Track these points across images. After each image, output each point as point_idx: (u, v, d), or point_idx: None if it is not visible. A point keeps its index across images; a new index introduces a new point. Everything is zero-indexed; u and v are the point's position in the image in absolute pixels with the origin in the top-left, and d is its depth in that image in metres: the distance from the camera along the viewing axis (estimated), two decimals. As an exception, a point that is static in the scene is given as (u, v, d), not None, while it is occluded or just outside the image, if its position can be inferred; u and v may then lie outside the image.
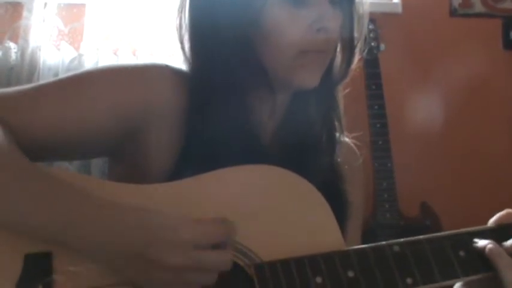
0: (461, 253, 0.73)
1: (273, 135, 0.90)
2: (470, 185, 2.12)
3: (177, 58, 0.91)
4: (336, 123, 0.93)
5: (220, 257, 0.67)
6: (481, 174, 2.13)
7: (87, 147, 0.84)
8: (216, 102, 0.83)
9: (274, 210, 0.75)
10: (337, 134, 0.94)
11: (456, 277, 0.72)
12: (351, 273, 0.71)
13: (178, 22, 0.88)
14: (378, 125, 1.95)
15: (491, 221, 0.79)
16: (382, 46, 2.00)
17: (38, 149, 0.77)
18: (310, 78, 0.84)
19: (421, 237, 0.74)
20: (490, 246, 0.74)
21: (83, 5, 1.87)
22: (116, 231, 0.67)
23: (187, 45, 0.88)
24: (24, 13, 1.79)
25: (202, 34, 0.85)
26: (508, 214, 0.79)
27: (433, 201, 1.99)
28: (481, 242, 0.75)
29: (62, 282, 0.68)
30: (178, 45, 0.89)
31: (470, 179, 2.13)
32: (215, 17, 0.84)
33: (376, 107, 1.96)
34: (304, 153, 0.88)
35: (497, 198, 2.00)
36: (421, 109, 2.07)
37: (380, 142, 1.94)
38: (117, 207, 0.68)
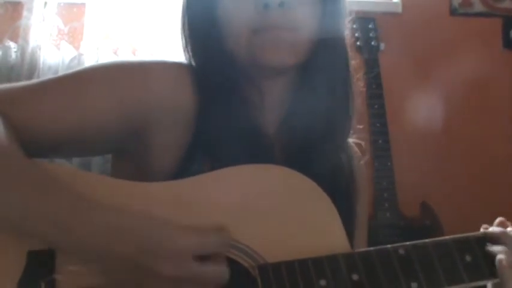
0: (468, 258, 0.72)
1: (277, 132, 0.89)
2: (470, 185, 2.11)
3: (177, 58, 0.90)
4: (344, 123, 0.90)
5: (217, 272, 0.66)
6: (481, 173, 2.13)
7: (88, 145, 0.83)
8: (218, 101, 0.83)
9: (278, 210, 0.74)
10: (345, 134, 0.92)
11: (462, 282, 0.71)
12: (355, 277, 0.70)
13: (181, 22, 0.89)
14: (378, 125, 1.95)
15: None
16: (382, 46, 2.01)
17: (39, 145, 0.76)
18: (272, 57, 0.81)
19: (426, 240, 0.73)
20: (500, 257, 0.72)
21: (83, 4, 1.87)
22: (108, 234, 0.65)
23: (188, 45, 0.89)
24: (24, 12, 1.79)
25: (191, 34, 0.88)
26: (501, 222, 0.79)
27: (433, 201, 1.99)
28: (493, 248, 0.73)
29: (64, 280, 0.67)
30: (182, 44, 0.89)
31: (470, 178, 2.13)
32: (192, 18, 0.87)
33: (376, 106, 1.96)
34: (307, 151, 0.86)
35: (497, 198, 2.00)
36: (421, 109, 2.07)
37: (380, 142, 1.94)
38: (110, 210, 0.67)
